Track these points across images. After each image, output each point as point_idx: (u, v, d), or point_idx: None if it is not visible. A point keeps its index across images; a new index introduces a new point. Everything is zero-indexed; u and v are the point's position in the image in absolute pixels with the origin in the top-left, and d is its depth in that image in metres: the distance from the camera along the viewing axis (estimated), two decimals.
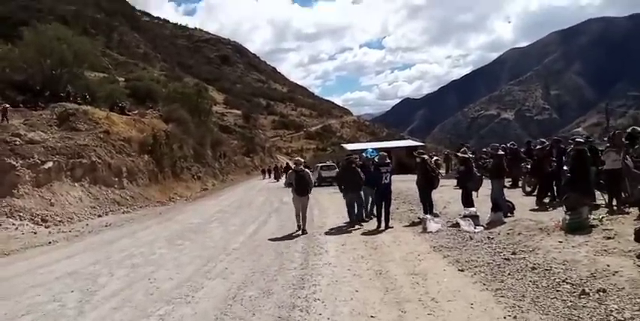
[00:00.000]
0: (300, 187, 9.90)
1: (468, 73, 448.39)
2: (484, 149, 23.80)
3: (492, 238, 7.70)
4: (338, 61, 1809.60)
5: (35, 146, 16.18)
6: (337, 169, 25.44)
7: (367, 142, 75.22)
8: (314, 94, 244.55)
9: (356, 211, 10.42)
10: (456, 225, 9.08)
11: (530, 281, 5.21)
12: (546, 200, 10.54)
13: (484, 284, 5.21)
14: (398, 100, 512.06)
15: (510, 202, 9.81)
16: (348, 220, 10.42)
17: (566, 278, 5.15)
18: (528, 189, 13.03)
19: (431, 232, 8.70)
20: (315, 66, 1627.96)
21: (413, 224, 9.90)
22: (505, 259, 6.27)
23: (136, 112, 30.57)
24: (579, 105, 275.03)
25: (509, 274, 5.57)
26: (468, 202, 9.96)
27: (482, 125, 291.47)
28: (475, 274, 5.67)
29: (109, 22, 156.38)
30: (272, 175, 40.88)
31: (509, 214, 9.37)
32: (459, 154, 11.25)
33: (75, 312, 4.95)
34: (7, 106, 22.30)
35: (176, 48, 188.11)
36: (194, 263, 7.05)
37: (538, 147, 11.17)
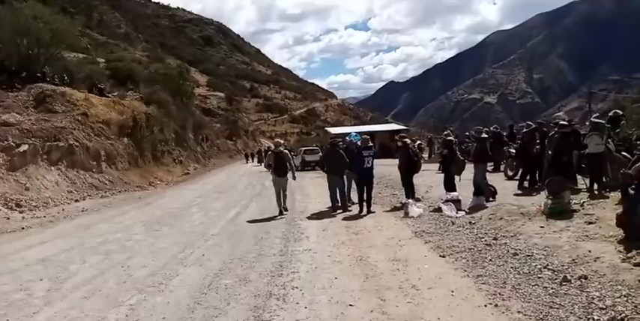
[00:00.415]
0: (280, 168, 10.08)
1: (452, 55, 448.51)
2: (467, 133, 23.88)
3: (474, 223, 7.64)
4: (323, 42, 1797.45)
5: (10, 128, 15.65)
6: (321, 153, 25.39)
7: (351, 125, 75.09)
8: (298, 77, 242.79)
9: (338, 195, 10.29)
10: (438, 210, 9.03)
11: (512, 267, 5.14)
12: (526, 184, 10.55)
13: (465, 271, 5.14)
14: (383, 84, 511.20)
15: (492, 187, 9.78)
16: (330, 205, 10.30)
17: (548, 264, 5.09)
18: (510, 173, 13.06)
19: (412, 217, 8.63)
20: (299, 47, 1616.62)
21: (395, 209, 9.83)
22: (487, 244, 6.21)
23: (115, 93, 29.82)
24: (561, 89, 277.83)
25: (490, 260, 5.50)
26: (450, 186, 9.90)
27: (465, 109, 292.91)
28: (456, 260, 5.60)
29: (89, 1, 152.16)
30: (256, 159, 40.91)
31: (491, 199, 9.35)
32: (446, 135, 11.15)
33: (42, 301, 4.75)
34: None
35: (158, 28, 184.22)
36: (170, 250, 6.87)
37: (524, 130, 11.11)
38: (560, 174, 8.15)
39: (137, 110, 25.98)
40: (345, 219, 8.93)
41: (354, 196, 10.73)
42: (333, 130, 37.19)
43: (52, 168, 16.49)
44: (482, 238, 6.61)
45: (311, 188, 15.17)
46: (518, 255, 5.58)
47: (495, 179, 11.23)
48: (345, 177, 10.51)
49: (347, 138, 11.83)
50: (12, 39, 27.14)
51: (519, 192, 10.14)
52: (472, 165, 10.03)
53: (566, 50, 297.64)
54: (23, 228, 9.76)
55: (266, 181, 19.58)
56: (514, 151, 12.84)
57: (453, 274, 5.06)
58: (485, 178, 9.58)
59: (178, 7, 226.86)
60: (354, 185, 10.85)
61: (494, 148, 12.53)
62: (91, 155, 18.97)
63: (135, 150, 23.51)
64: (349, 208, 10.02)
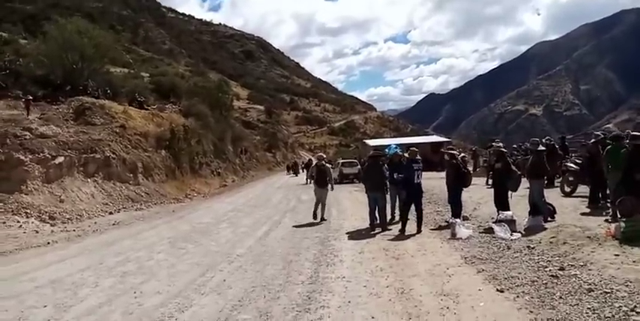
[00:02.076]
0: (321, 180, 11.21)
1: (495, 67, 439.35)
2: (514, 145, 22.52)
3: (533, 248, 6.66)
4: (362, 55, 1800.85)
5: (46, 140, 15.67)
6: (359, 166, 24.60)
7: (391, 137, 73.83)
8: (337, 90, 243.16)
9: (377, 213, 9.44)
10: (489, 230, 8.07)
11: (590, 309, 4.20)
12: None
13: (531, 312, 4.23)
14: (423, 96, 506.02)
15: (551, 205, 8.73)
16: (368, 222, 9.49)
17: (635, 306, 4.13)
18: (568, 189, 11.86)
19: (460, 238, 7.71)
20: (339, 61, 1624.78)
21: (440, 228, 8.92)
22: (552, 276, 5.25)
23: (155, 106, 30.10)
24: (610, 100, 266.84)
25: (560, 297, 4.56)
26: (502, 204, 8.88)
27: (509, 121, 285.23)
28: (518, 296, 4.68)
29: (135, 19, 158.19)
30: (291, 171, 41.58)
31: (549, 219, 8.31)
32: (494, 147, 10.16)
33: None
34: (31, 98, 22.13)
35: (201, 44, 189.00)
36: (190, 273, 6.23)
37: (592, 141, 9.97)
38: (634, 193, 7.06)
39: (175, 122, 25.98)
40: (384, 240, 8.08)
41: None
42: (372, 142, 36.29)
43: (88, 180, 16.40)
44: (546, 267, 5.64)
45: (348, 203, 14.38)
46: (594, 291, 4.61)
47: (550, 196, 10.09)
48: (387, 192, 9.71)
49: (386, 150, 11.04)
50: (57, 54, 27.92)
51: (582, 211, 9.04)
52: (525, 180, 9.07)
53: (614, 60, 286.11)
54: (49, 243, 9.42)
55: (302, 194, 19.00)
56: (573, 165, 11.65)
57: (516, 316, 4.16)
58: (542, 195, 8.55)
59: (220, 23, 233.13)
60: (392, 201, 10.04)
61: (548, 162, 11.43)
62: (128, 167, 18.87)
63: (172, 162, 23.40)
64: (389, 227, 9.16)
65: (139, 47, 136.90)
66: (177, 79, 49.29)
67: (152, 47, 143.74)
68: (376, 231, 8.93)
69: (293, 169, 42.40)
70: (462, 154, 22.32)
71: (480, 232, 8.17)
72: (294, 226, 10.16)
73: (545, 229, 7.72)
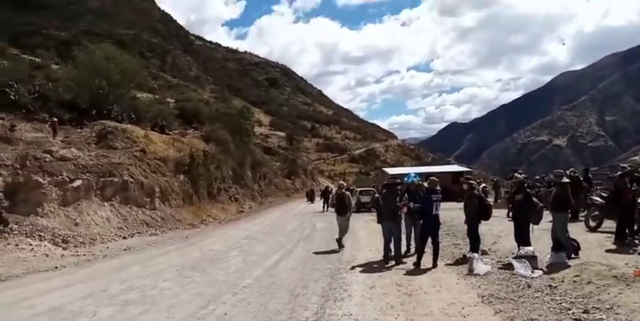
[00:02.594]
0: (340, 208, 11.54)
1: (518, 97, 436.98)
2: (537, 177, 21.94)
3: (555, 287, 6.26)
4: (384, 84, 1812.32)
5: (65, 163, 15.84)
6: (377, 194, 24.23)
7: (411, 166, 73.22)
8: (359, 117, 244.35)
9: (392, 245, 9.09)
10: (508, 266, 7.66)
11: None
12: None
13: None
14: (445, 124, 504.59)
15: (575, 241, 8.29)
16: (382, 254, 9.15)
17: None
18: (593, 224, 11.33)
19: (478, 274, 7.31)
20: (361, 89, 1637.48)
21: (457, 263, 8.51)
22: (575, 319, 4.90)
23: (176, 131, 30.47)
24: (636, 131, 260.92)
25: None
26: (523, 238, 8.47)
27: (532, 151, 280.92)
28: None
29: (164, 46, 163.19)
30: (307, 198, 41.58)
31: (573, 256, 7.87)
32: (515, 178, 9.80)
33: None
34: (56, 120, 22.65)
35: (226, 71, 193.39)
36: (192, 304, 5.99)
37: (618, 173, 9.56)
38: None
39: (195, 147, 26.16)
40: (397, 273, 7.73)
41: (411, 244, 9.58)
42: (391, 171, 35.82)
43: (105, 204, 16.43)
44: (569, 309, 5.24)
45: (363, 233, 14.02)
46: None
47: (574, 230, 9.61)
48: (403, 223, 9.39)
49: (405, 179, 10.75)
50: (85, 79, 28.67)
51: (608, 247, 8.57)
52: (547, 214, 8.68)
53: None
54: (57, 267, 9.32)
55: (318, 222, 18.69)
56: (599, 198, 11.16)
57: None
58: (566, 229, 8.13)
59: (246, 51, 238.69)
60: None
61: (573, 195, 10.99)
62: (145, 191, 18.90)
63: (190, 187, 23.42)
64: (404, 260, 8.79)
65: (167, 74, 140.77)
66: (201, 105, 50.19)
67: (179, 74, 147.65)
68: (390, 264, 8.57)
69: (309, 196, 42.41)
70: (483, 185, 21.84)
71: (499, 268, 7.77)
72: (305, 256, 9.86)
73: (569, 266, 7.31)
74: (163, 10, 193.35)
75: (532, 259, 7.50)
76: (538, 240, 9.30)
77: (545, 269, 7.38)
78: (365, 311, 5.45)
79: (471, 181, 9.26)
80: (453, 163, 71.19)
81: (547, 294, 6.00)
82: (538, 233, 9.43)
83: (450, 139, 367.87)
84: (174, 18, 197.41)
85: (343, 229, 11.34)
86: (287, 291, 6.59)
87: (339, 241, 11.10)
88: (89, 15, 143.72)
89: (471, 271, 7.46)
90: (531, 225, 8.68)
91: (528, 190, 9.02)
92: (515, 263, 7.43)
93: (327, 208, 27.40)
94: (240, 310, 5.62)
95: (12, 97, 23.90)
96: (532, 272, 7.15)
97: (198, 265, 9.19)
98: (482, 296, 6.00)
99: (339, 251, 10.49)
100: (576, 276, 6.66)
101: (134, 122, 27.22)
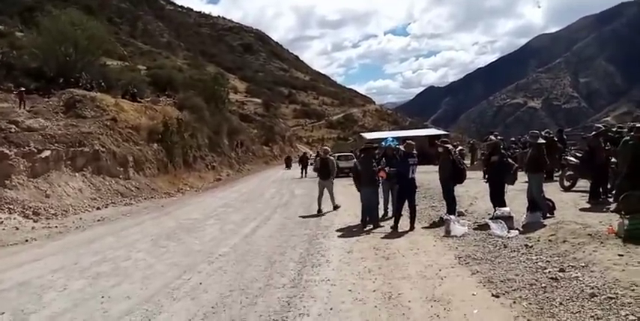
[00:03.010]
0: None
1: (494, 60, 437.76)
2: (512, 138, 22.13)
3: (531, 247, 6.30)
4: (362, 48, 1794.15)
5: (32, 134, 15.23)
6: (355, 160, 24.19)
7: (389, 131, 73.37)
8: (336, 83, 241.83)
9: (370, 209, 9.04)
10: (485, 227, 7.70)
11: (593, 317, 3.83)
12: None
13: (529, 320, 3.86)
14: (422, 89, 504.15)
15: (550, 200, 8.35)
16: (360, 218, 9.12)
17: None
18: (567, 183, 11.51)
19: (455, 236, 7.33)
20: (338, 54, 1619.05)
21: (434, 225, 8.54)
22: (552, 278, 4.88)
23: (148, 99, 29.61)
24: (609, 93, 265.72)
25: (560, 303, 4.19)
26: (498, 199, 8.51)
27: (508, 114, 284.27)
28: (515, 301, 4.30)
29: (134, 11, 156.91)
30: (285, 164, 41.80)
31: (548, 215, 7.94)
32: (490, 140, 9.77)
33: None
34: (24, 89, 21.70)
35: (200, 37, 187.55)
36: (166, 275, 5.85)
37: (592, 134, 9.60)
38: (638, 188, 6.68)
39: (169, 115, 25.52)
40: (375, 237, 7.69)
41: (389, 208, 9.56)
42: (369, 136, 35.80)
43: (77, 174, 15.99)
44: (545, 268, 5.26)
45: (342, 198, 13.93)
46: (597, 296, 4.25)
47: (549, 190, 9.69)
48: (380, 188, 9.32)
49: (382, 143, 10.64)
50: (51, 46, 27.40)
51: (582, 206, 8.68)
52: (522, 174, 8.71)
53: (614, 53, 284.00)
54: (27, 240, 9.04)
55: (296, 189, 18.62)
56: (573, 158, 11.27)
57: None
58: (541, 190, 8.17)
59: (219, 16, 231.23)
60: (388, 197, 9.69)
61: (547, 155, 11.06)
62: (118, 161, 18.45)
63: (165, 156, 22.97)
64: (381, 224, 8.77)
65: (138, 40, 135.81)
66: (174, 72, 48.73)
67: (150, 40, 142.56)
68: (368, 228, 8.55)
69: (286, 162, 42.53)
70: (460, 148, 21.91)
71: (474, 229, 7.80)
72: (283, 223, 9.78)
73: (544, 225, 7.37)
74: None
75: (508, 220, 7.54)
76: (513, 200, 9.39)
77: (521, 229, 7.43)
78: (342, 276, 5.39)
79: (447, 145, 9.17)
80: (431, 127, 71.57)
81: (523, 253, 6.03)
82: (513, 194, 9.53)
83: (428, 103, 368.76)
84: None
85: (330, 193, 11.75)
86: (264, 258, 6.49)
87: (320, 206, 11.34)
88: None
89: (447, 233, 7.48)
90: (506, 186, 8.73)
91: (503, 152, 8.99)
92: (491, 224, 7.46)
93: (306, 174, 27.35)
94: (216, 280, 5.50)
95: None
96: (508, 232, 7.19)
97: (173, 234, 9.02)
98: (459, 257, 6.00)
99: (318, 216, 10.45)
100: (552, 235, 6.71)
101: (104, 91, 26.25)
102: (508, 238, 7.00)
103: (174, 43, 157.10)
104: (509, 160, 8.72)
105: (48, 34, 27.61)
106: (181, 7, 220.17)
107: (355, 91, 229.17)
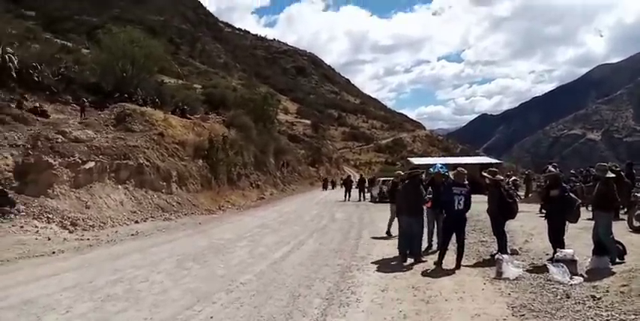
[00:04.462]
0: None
1: (552, 89, 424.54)
2: (572, 171, 20.63)
3: (599, 299, 5.34)
4: (414, 73, 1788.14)
5: (78, 145, 15.45)
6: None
7: (439, 157, 71.59)
8: (387, 107, 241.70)
9: (413, 241, 8.19)
10: (543, 269, 6.76)
11: None
12: None
13: None
14: (475, 116, 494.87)
15: (620, 243, 7.29)
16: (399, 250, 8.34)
17: None
18: (637, 224, 10.24)
19: (508, 279, 6.43)
20: (390, 78, 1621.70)
21: (483, 263, 7.63)
22: None
23: (198, 116, 30.06)
24: None
25: None
26: (558, 239, 7.52)
27: (565, 145, 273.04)
28: None
29: (194, 33, 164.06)
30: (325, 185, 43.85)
31: (618, 260, 6.90)
32: (549, 171, 8.80)
33: None
34: (86, 102, 22.60)
35: (255, 58, 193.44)
36: (179, 303, 5.30)
37: None
38: None
39: (215, 132, 25.65)
40: (415, 274, 6.88)
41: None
42: (416, 161, 34.67)
43: (119, 186, 16.03)
44: None
45: (383, 225, 13.16)
46: None
47: (617, 232, 8.48)
48: (425, 218, 8.50)
49: (430, 169, 9.86)
50: (109, 62, 28.58)
51: None
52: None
53: None
54: (54, 252, 8.82)
55: (337, 212, 17.95)
56: None
57: None
58: (610, 231, 7.14)
59: (274, 39, 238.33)
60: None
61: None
62: (162, 175, 18.46)
63: (209, 172, 22.94)
64: (423, 259, 7.93)
65: (196, 60, 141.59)
66: (228, 92, 49.94)
67: (208, 60, 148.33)
68: (408, 262, 7.74)
69: (324, 184, 43.92)
70: (513, 178, 20.65)
71: (530, 271, 6.86)
72: (317, 249, 9.11)
73: (614, 273, 6.35)
74: None
75: (571, 264, 6.56)
76: (575, 240, 8.36)
77: (586, 276, 6.45)
78: None
79: (497, 176, 8.27)
80: (482, 155, 69.32)
81: (590, 307, 5.09)
82: (574, 232, 8.52)
83: (480, 131, 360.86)
84: (204, 5, 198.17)
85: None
86: (288, 291, 5.83)
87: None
88: (121, 1, 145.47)
89: (499, 275, 6.58)
90: (567, 223, 7.73)
91: (565, 185, 7.98)
92: (551, 267, 6.51)
93: (349, 197, 26.63)
94: (229, 314, 4.89)
95: (35, 78, 23.86)
96: (571, 279, 6.23)
97: (201, 255, 8.55)
98: (513, 307, 5.12)
99: (354, 245, 9.73)
100: (623, 285, 5.72)
101: (158, 106, 26.95)
102: (570, 285, 6.05)
103: (230, 63, 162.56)
104: (572, 195, 7.70)
105: (108, 50, 28.85)
106: (239, 29, 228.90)
107: (405, 116, 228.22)
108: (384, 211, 17.36)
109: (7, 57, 21.80)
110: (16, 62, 22.23)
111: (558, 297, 5.52)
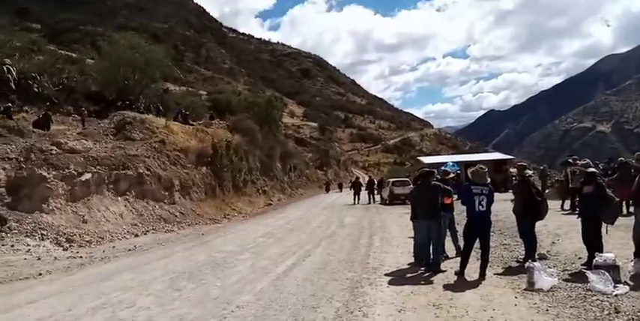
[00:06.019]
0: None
1: (559, 82, 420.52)
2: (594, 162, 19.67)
3: None
4: (420, 71, 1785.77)
5: (74, 156, 14.78)
6: (411, 185, 22.49)
7: (448, 155, 70.54)
8: (393, 107, 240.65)
9: (432, 248, 7.30)
10: (579, 276, 5.96)
11: None
12: None
13: None
14: (482, 112, 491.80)
15: None
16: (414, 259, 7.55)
17: None
18: None
19: (541, 289, 5.62)
20: (395, 77, 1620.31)
21: (509, 271, 6.82)
22: None
23: (201, 121, 29.43)
24: None
25: None
26: (594, 241, 6.71)
27: (575, 138, 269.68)
28: None
29: (198, 39, 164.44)
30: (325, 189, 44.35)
31: None
32: (580, 167, 7.98)
33: None
34: (86, 111, 22.18)
35: (260, 62, 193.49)
36: None
37: None
38: None
39: (219, 138, 24.96)
40: (435, 288, 6.08)
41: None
42: (426, 160, 33.75)
43: (119, 198, 15.37)
44: None
45: (396, 230, 12.38)
46: None
47: None
48: (442, 222, 7.61)
49: (442, 168, 9.08)
50: (110, 70, 28.10)
51: None
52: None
53: None
54: (40, 274, 8.12)
55: (346, 217, 17.18)
56: None
57: None
58: None
59: (278, 42, 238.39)
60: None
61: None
62: (163, 185, 17.79)
63: (213, 179, 22.26)
64: (443, 268, 7.13)
65: (201, 66, 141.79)
66: (233, 97, 49.37)
67: (213, 66, 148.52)
68: (426, 273, 6.94)
69: (326, 187, 44.20)
70: (529, 173, 19.67)
71: (565, 280, 6.05)
72: (324, 261, 8.32)
73: None
74: (197, 3, 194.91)
75: (613, 270, 5.75)
76: (609, 241, 7.50)
77: (631, 283, 5.64)
78: None
79: (527, 171, 7.47)
80: (492, 152, 68.18)
81: None
82: (610, 232, 7.65)
83: (489, 127, 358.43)
84: (207, 11, 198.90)
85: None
86: (290, 314, 5.05)
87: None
88: (125, 10, 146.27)
89: (531, 285, 5.76)
90: (604, 224, 6.90)
91: (600, 181, 7.13)
92: (590, 275, 5.68)
93: (358, 200, 25.86)
94: None
95: (35, 89, 23.41)
96: (615, 288, 5.42)
97: (197, 272, 7.80)
98: None
99: (365, 254, 8.93)
100: None
101: (162, 114, 26.38)
102: (615, 295, 5.24)
103: (235, 69, 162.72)
104: (609, 193, 6.85)
105: (108, 58, 28.39)
106: (243, 34, 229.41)
107: (412, 115, 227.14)
108: (395, 214, 16.67)
109: (4, 68, 21.38)
110: (14, 73, 21.81)
111: (606, 312, 4.70)
